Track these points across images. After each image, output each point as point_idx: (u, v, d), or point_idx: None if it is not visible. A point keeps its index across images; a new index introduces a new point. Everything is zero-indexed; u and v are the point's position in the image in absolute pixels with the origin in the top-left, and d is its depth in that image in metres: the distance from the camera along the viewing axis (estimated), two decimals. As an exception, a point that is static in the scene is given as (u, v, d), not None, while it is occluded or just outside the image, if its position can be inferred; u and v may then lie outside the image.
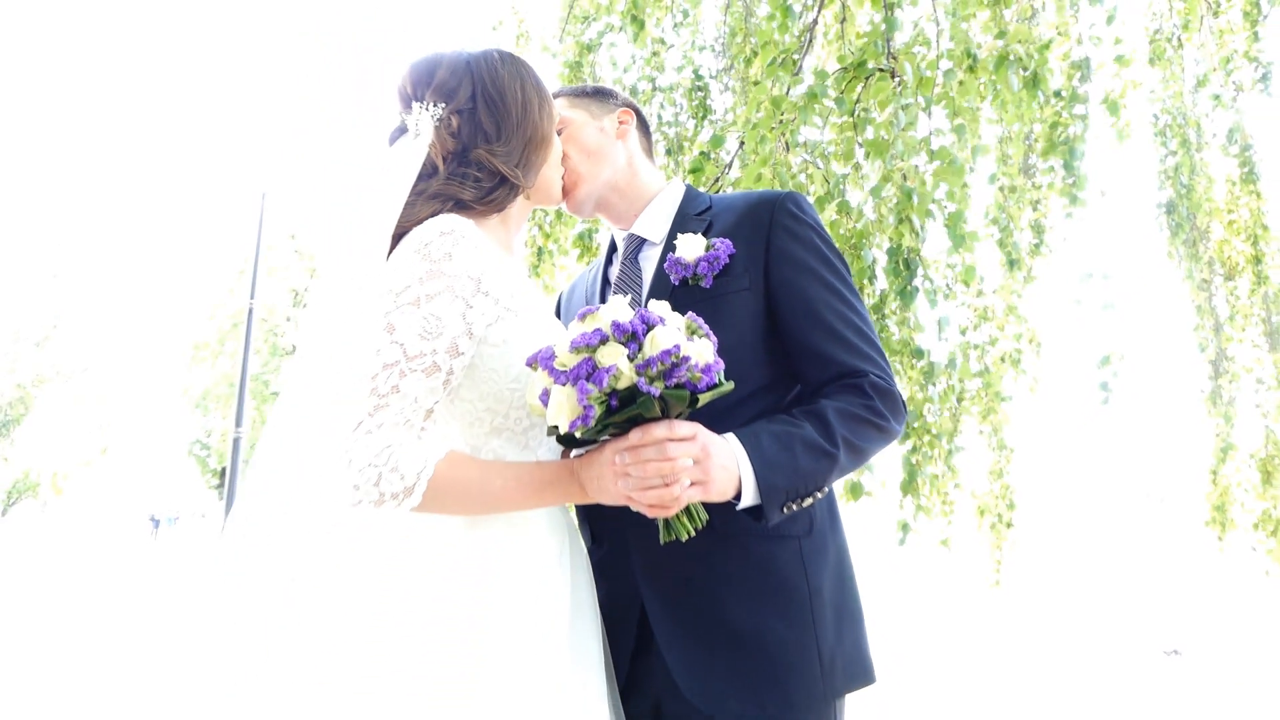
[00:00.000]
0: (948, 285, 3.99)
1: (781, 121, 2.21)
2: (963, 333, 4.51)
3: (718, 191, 2.70)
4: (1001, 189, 3.78)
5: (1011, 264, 3.43)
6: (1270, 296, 4.60)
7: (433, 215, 1.23)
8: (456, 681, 1.11)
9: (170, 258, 34.32)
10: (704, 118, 4.20)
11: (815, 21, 2.58)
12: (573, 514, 1.48)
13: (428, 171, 1.29)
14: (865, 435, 1.32)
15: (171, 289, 34.56)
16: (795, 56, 2.44)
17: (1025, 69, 2.56)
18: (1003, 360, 4.26)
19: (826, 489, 1.34)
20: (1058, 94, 3.09)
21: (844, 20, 2.69)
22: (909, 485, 3.29)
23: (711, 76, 4.26)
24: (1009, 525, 4.36)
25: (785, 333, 1.40)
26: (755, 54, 3.46)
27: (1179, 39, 4.75)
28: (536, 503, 1.21)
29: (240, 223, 38.58)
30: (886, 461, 3.46)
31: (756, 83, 2.88)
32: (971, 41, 2.53)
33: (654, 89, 3.86)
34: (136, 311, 33.13)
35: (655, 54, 3.87)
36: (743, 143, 2.56)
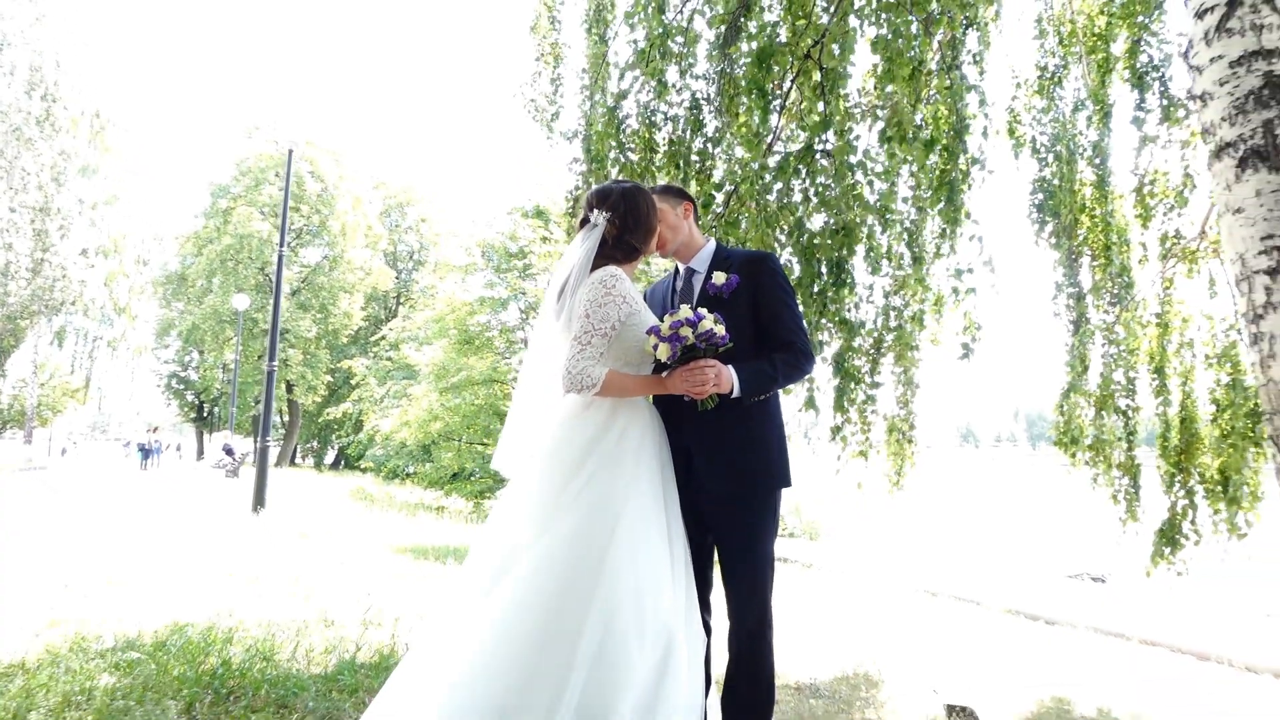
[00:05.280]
0: (876, 261, 5.50)
1: (761, 183, 3.71)
2: (886, 296, 6.06)
3: (717, 222, 4.23)
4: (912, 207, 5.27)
5: (916, 260, 4.93)
6: (1114, 274, 6.23)
7: (603, 265, 2.73)
8: (623, 453, 2.65)
9: (154, 193, 34.28)
10: (698, 131, 5.62)
11: (782, 109, 4.03)
12: (649, 404, 3.02)
13: (601, 244, 2.78)
14: (791, 369, 2.87)
15: (154, 223, 34.61)
16: (766, 133, 3.92)
17: (921, 140, 4.07)
18: (912, 319, 5.79)
19: (774, 391, 2.89)
20: (945, 148, 4.57)
21: (802, 103, 4.14)
22: (840, 403, 4.95)
23: (704, 99, 5.65)
24: (911, 441, 5.99)
25: (761, 324, 2.93)
26: (737, 95, 4.95)
27: (1060, 76, 6.27)
28: (646, 391, 2.74)
29: (227, 157, 38.68)
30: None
31: (744, 132, 4.37)
32: (883, 117, 4.04)
33: (665, 119, 5.27)
34: (121, 245, 33.26)
35: (662, 92, 5.27)
36: (736, 189, 4.06)
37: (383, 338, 31.07)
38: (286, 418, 39.85)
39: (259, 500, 11.51)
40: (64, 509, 11.36)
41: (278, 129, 12.02)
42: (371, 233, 39.83)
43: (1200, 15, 2.88)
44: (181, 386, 42.10)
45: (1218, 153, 2.77)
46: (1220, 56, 2.80)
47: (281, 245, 11.79)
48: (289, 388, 36.09)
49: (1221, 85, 2.79)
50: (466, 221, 33.65)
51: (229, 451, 25.03)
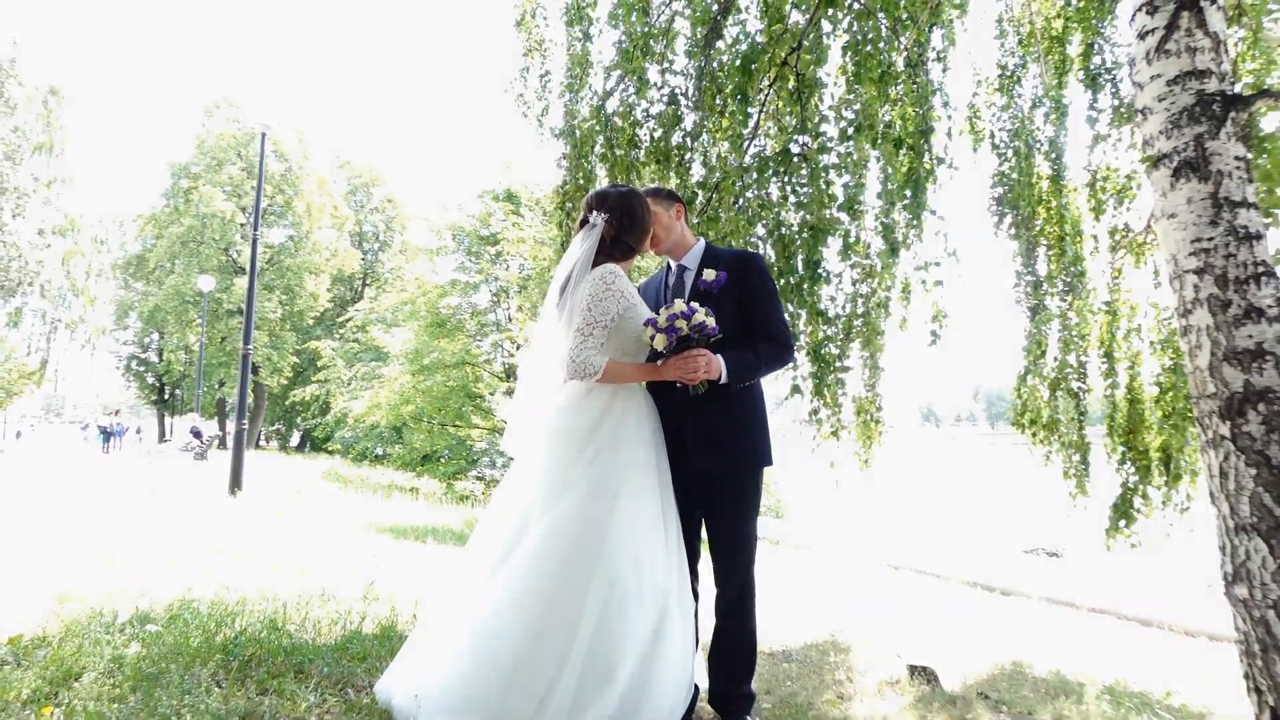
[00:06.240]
0: (847, 251, 5.78)
1: (742, 182, 3.96)
2: (854, 284, 6.35)
3: (703, 218, 4.48)
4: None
5: (893, 251, 5.22)
6: (1068, 264, 6.61)
7: (602, 263, 2.97)
8: (622, 435, 2.90)
9: (111, 172, 33.51)
10: (675, 125, 5.84)
11: (761, 112, 4.29)
12: (645, 389, 3.27)
13: (600, 243, 3.02)
14: (773, 358, 3.15)
15: (112, 203, 33.99)
16: (746, 135, 4.18)
17: (890, 139, 4.35)
18: (878, 305, 6.09)
19: (757, 379, 3.15)
20: (911, 147, 4.85)
21: (779, 103, 4.39)
22: (818, 388, 5.25)
23: (682, 94, 5.86)
24: (877, 422, 6.32)
25: (746, 317, 3.19)
26: (718, 94, 5.19)
27: (1019, 75, 6.60)
28: (642, 378, 3.00)
29: (187, 135, 37.91)
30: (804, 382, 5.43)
31: (727, 135, 4.61)
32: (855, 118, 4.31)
33: (647, 116, 5.48)
34: (78, 224, 32.58)
35: (643, 89, 5.47)
36: (719, 187, 4.31)
37: (350, 319, 30.91)
38: (251, 400, 39.50)
39: (235, 482, 11.60)
40: (40, 491, 11.34)
41: (240, 108, 11.97)
42: (337, 213, 39.43)
43: (1142, 36, 3.19)
44: (142, 369, 41.51)
45: (1155, 163, 3.09)
46: (1159, 75, 3.11)
47: (255, 228, 11.79)
48: (254, 369, 35.78)
49: (1160, 101, 3.10)
50: (435, 204, 33.38)
51: (197, 434, 24.83)
